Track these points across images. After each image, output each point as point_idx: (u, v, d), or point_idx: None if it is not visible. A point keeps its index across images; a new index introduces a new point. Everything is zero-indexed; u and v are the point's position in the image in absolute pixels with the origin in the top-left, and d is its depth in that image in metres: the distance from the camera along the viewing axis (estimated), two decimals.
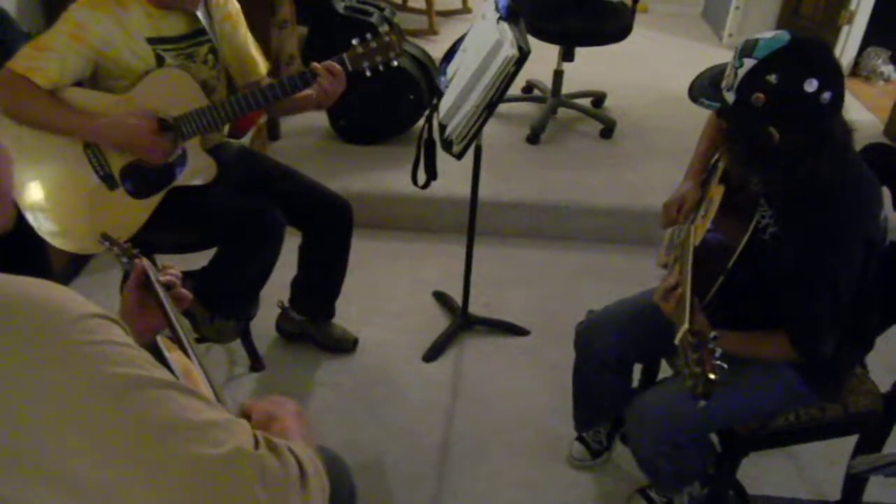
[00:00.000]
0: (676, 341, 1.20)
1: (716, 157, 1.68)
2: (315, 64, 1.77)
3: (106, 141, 1.75)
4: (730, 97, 1.29)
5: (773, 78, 1.23)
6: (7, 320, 0.66)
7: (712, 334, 1.15)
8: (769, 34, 1.27)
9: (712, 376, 1.08)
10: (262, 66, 2.00)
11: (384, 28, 1.79)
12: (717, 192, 1.53)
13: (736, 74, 1.27)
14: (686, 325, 1.20)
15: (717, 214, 1.48)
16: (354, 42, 1.78)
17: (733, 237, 1.41)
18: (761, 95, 1.24)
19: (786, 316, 1.40)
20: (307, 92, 1.83)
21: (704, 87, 1.36)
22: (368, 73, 1.81)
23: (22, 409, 0.64)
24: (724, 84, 1.31)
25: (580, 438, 2.01)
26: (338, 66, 1.77)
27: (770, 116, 1.26)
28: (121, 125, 1.72)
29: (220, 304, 1.99)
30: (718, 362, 1.10)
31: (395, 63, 1.80)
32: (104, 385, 0.66)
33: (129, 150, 1.77)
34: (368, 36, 1.78)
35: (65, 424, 0.65)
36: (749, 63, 1.25)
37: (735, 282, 1.40)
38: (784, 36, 1.25)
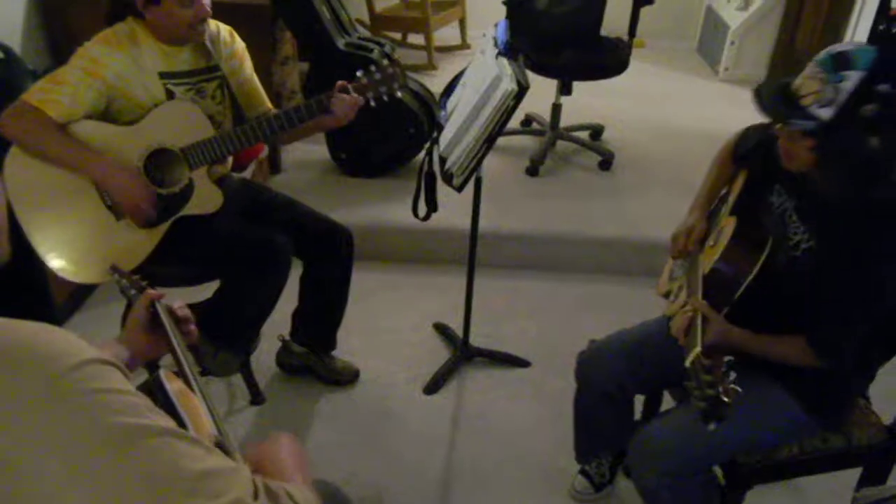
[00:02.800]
0: (687, 364, 1.20)
1: (724, 189, 1.70)
2: (340, 93, 1.80)
3: (104, 184, 1.78)
4: (825, 113, 1.25)
5: (884, 87, 1.21)
6: (9, 367, 0.67)
7: (727, 359, 1.15)
8: (851, 46, 1.25)
9: (726, 399, 1.08)
10: (267, 100, 2.06)
11: (385, 62, 1.84)
12: (728, 223, 1.55)
13: (837, 89, 1.24)
14: (698, 349, 1.20)
15: (727, 245, 1.50)
16: (359, 74, 1.83)
17: (744, 267, 1.42)
18: (873, 106, 1.22)
19: (815, 322, 1.37)
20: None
21: (782, 109, 1.32)
22: (373, 104, 1.86)
23: (23, 457, 0.65)
24: (810, 102, 1.27)
25: (583, 472, 1.99)
26: (359, 98, 1.81)
27: (878, 127, 1.23)
28: (121, 179, 1.76)
29: (227, 336, 1.99)
30: (732, 385, 1.09)
31: (399, 94, 1.85)
32: (105, 435, 0.67)
33: (117, 200, 1.80)
34: (373, 68, 1.83)
35: (65, 474, 0.65)
36: (855, 76, 1.22)
37: (746, 307, 1.40)
38: (865, 45, 1.24)
